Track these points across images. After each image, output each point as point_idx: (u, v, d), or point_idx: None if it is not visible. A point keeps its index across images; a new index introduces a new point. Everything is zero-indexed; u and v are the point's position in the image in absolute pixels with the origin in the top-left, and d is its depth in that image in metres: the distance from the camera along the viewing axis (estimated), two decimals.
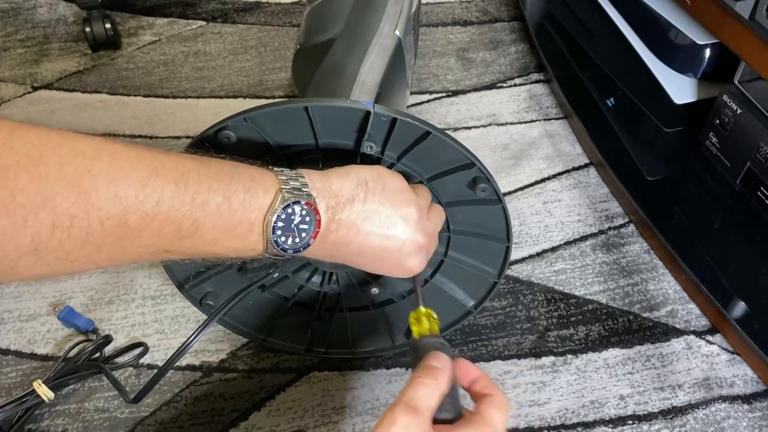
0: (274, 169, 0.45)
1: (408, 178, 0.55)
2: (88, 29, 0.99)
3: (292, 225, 0.44)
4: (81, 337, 0.69)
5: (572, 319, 0.72)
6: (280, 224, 0.43)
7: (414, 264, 0.52)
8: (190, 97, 0.96)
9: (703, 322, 0.72)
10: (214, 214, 0.41)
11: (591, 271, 0.76)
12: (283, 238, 0.44)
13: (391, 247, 0.49)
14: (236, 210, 0.42)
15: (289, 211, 0.43)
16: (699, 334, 0.71)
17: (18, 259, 0.35)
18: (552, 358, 0.69)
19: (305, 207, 0.44)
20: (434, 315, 0.52)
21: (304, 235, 0.45)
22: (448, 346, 0.47)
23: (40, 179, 0.34)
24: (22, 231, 0.34)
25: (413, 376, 0.44)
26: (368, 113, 0.50)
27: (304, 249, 0.46)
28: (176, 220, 0.39)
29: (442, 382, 0.43)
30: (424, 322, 0.51)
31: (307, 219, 0.44)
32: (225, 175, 0.42)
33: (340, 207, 0.46)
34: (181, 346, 0.55)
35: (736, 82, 0.74)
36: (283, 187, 0.43)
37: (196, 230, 0.40)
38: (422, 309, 0.52)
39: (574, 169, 0.87)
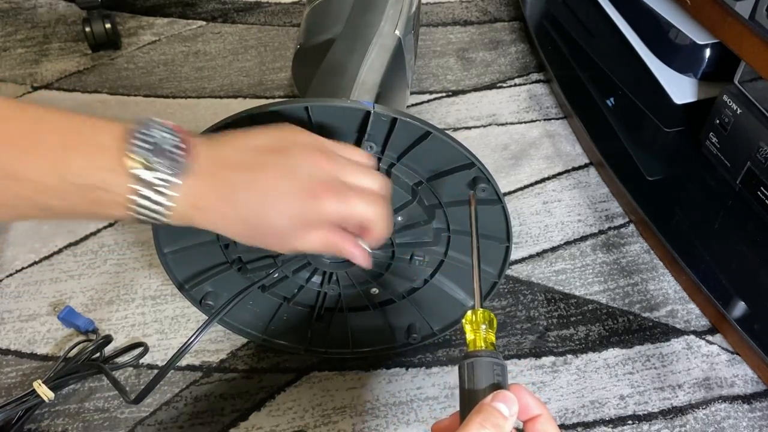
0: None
1: (408, 178, 0.55)
2: (88, 29, 0.99)
3: (155, 144, 0.39)
4: (81, 337, 0.69)
5: (572, 319, 0.72)
6: (140, 143, 0.39)
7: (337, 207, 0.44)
8: (190, 97, 0.96)
9: (703, 322, 0.72)
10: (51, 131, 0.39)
11: (591, 271, 0.76)
12: (151, 156, 0.39)
13: (297, 185, 0.43)
14: (81, 132, 0.39)
15: (147, 132, 0.39)
16: (699, 334, 0.71)
17: None
18: (552, 358, 0.69)
19: (164, 127, 0.40)
20: (495, 319, 0.44)
21: (174, 150, 0.40)
22: (505, 366, 0.41)
23: None
24: None
25: (475, 418, 0.38)
26: (368, 113, 0.50)
27: (182, 172, 0.40)
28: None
29: None
30: (481, 330, 0.42)
31: (169, 137, 0.40)
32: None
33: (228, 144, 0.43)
34: (181, 348, 0.55)
35: (736, 82, 0.74)
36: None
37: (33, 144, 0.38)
38: (480, 311, 0.44)
39: (574, 169, 0.87)
